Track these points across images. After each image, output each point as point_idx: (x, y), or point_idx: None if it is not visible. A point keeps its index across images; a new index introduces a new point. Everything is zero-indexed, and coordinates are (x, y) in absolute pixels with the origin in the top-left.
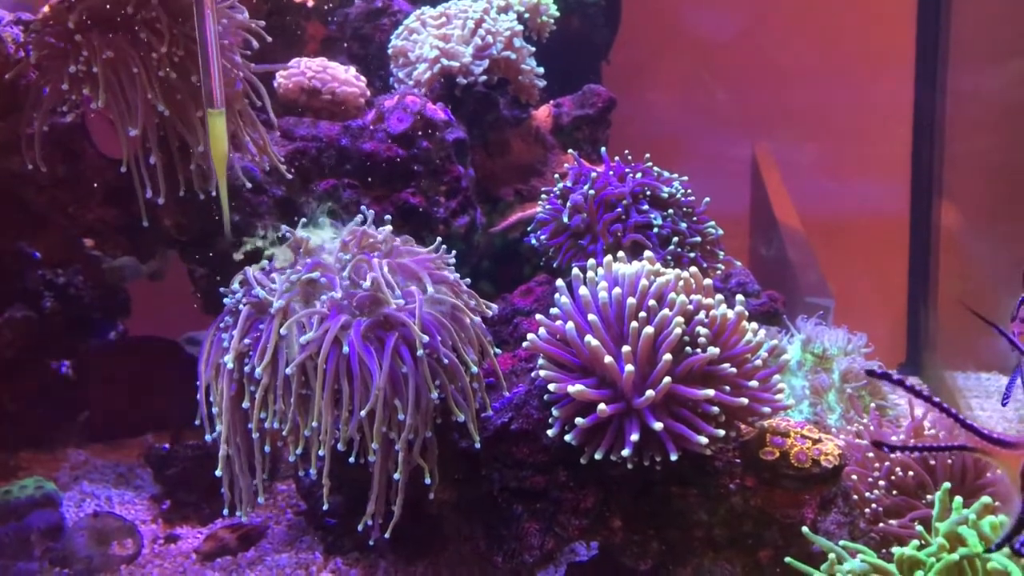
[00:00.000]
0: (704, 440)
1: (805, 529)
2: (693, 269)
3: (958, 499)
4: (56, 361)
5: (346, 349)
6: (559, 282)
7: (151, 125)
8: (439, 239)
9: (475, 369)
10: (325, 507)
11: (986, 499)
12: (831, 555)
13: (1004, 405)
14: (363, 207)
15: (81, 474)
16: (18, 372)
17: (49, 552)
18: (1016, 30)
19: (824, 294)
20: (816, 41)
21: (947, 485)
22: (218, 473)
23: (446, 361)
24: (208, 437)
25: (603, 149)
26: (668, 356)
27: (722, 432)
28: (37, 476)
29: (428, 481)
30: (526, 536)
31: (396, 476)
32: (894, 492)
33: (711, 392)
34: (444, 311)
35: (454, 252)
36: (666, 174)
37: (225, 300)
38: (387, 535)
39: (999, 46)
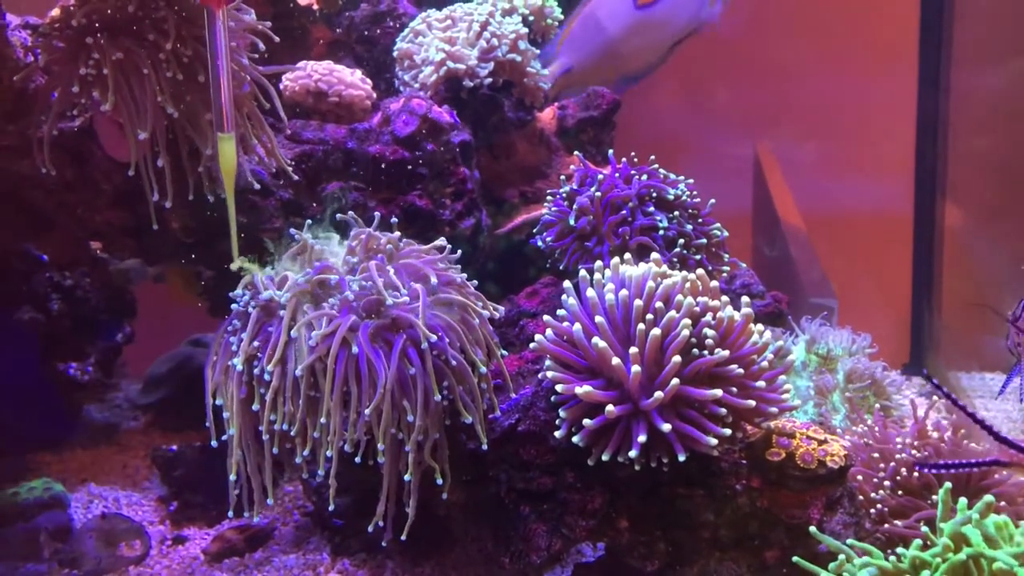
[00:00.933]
0: (713, 441)
1: (813, 529)
2: (700, 271)
3: (962, 500)
4: (63, 363)
5: (355, 350)
6: (566, 284)
7: (160, 127)
8: (442, 239)
9: (484, 369)
10: (331, 508)
11: (989, 498)
12: (841, 555)
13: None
14: (355, 211)
15: (89, 475)
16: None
17: (58, 553)
18: (1020, 29)
19: (827, 294)
20: (819, 39)
21: (948, 485)
22: (232, 477)
23: (454, 363)
24: (214, 442)
25: (610, 152)
26: (677, 358)
27: (729, 432)
28: (45, 477)
29: (440, 481)
30: (533, 537)
31: (407, 477)
32: (899, 493)
33: (719, 392)
34: (451, 312)
35: (459, 253)
36: (672, 176)
37: (233, 306)
38: (395, 536)
39: (1002, 44)
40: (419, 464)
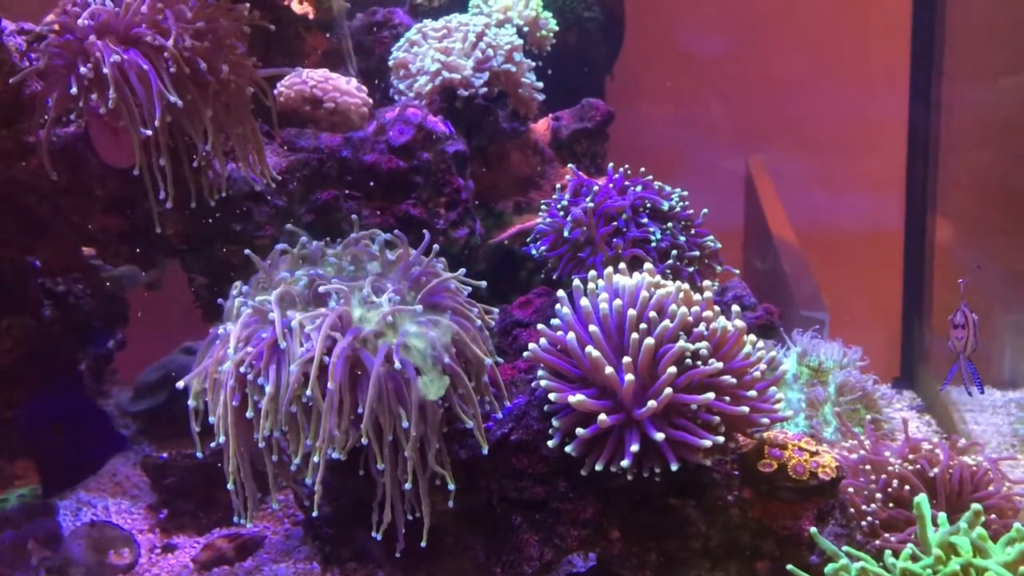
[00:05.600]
0: (707, 443)
1: (814, 530)
2: (707, 283)
3: (942, 515)
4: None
5: (340, 353)
6: (560, 293)
7: (163, 127)
8: (428, 242)
9: (489, 361)
10: (315, 514)
11: (977, 507)
12: (842, 559)
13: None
14: (348, 220)
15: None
16: (16, 380)
17: (46, 561)
18: (1010, 47)
19: (818, 308)
20: (811, 56)
21: (922, 496)
22: (230, 486)
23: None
24: (199, 453)
25: (611, 165)
26: (672, 369)
27: (722, 439)
28: (34, 485)
29: (451, 487)
30: (525, 547)
31: (407, 486)
32: (891, 505)
33: (711, 395)
34: (446, 318)
35: (452, 262)
36: (667, 188)
37: (226, 326)
38: (400, 544)
39: (993, 62)
40: (425, 470)
